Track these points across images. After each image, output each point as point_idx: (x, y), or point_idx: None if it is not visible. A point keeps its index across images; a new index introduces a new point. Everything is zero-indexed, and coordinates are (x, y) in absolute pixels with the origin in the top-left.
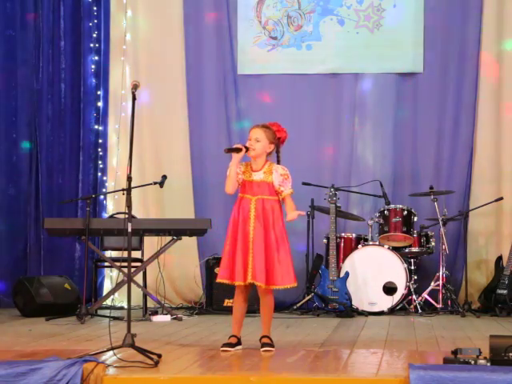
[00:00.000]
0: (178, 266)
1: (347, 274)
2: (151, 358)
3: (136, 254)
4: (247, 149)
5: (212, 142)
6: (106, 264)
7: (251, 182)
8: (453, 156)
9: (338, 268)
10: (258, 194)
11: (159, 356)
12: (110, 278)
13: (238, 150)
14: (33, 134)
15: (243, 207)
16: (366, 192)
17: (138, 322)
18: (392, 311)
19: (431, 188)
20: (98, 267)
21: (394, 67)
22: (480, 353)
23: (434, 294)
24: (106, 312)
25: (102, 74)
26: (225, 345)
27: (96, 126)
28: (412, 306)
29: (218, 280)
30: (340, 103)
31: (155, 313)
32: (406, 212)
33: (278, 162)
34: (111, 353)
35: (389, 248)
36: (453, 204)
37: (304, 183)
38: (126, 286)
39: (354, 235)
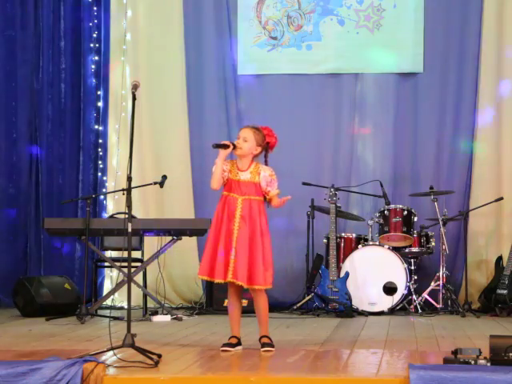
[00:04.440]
0: (178, 266)
1: (347, 274)
2: (151, 358)
3: (136, 254)
4: (234, 146)
5: (212, 141)
6: (106, 264)
7: (238, 181)
8: (453, 156)
9: (338, 268)
10: (245, 194)
11: (159, 356)
12: (109, 278)
13: (225, 147)
14: (33, 134)
15: (229, 206)
16: (366, 192)
17: (138, 322)
18: (392, 311)
19: (431, 188)
20: (98, 267)
21: (393, 67)
22: (480, 353)
23: (434, 293)
24: (106, 312)
25: (102, 74)
26: (225, 345)
27: (96, 126)
28: (412, 306)
29: (199, 276)
30: (340, 103)
31: (155, 313)
32: (406, 212)
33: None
34: (111, 353)
35: (389, 248)
36: (453, 204)
37: (304, 183)
38: (126, 286)
39: (354, 235)
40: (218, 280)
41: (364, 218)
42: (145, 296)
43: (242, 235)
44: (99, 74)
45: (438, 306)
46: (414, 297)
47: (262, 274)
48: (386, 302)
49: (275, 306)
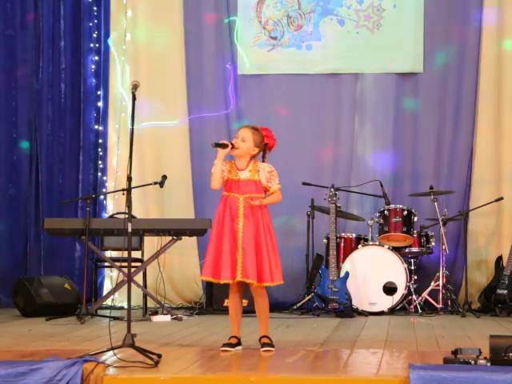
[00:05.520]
0: (178, 266)
1: (347, 274)
2: (151, 358)
3: (136, 254)
4: (233, 146)
5: (212, 141)
6: (106, 264)
7: (238, 181)
8: (453, 156)
9: (338, 268)
10: (246, 193)
11: (159, 356)
12: (109, 278)
13: (224, 146)
14: (33, 134)
15: (230, 206)
16: (366, 192)
17: (138, 322)
18: (392, 311)
19: (431, 188)
20: (98, 267)
21: (393, 67)
22: (480, 353)
23: (434, 294)
24: (106, 312)
25: (102, 74)
26: (225, 345)
27: (96, 126)
28: (412, 306)
29: (202, 278)
30: (340, 103)
31: (155, 313)
32: (406, 212)
33: None
34: (111, 353)
35: (389, 248)
36: (453, 204)
37: (304, 183)
38: (126, 286)
39: (354, 235)
40: (225, 281)
41: (364, 218)
42: (145, 296)
43: (248, 234)
44: (99, 74)
45: (438, 306)
46: (414, 297)
47: (268, 271)
48: (386, 302)
49: (275, 306)
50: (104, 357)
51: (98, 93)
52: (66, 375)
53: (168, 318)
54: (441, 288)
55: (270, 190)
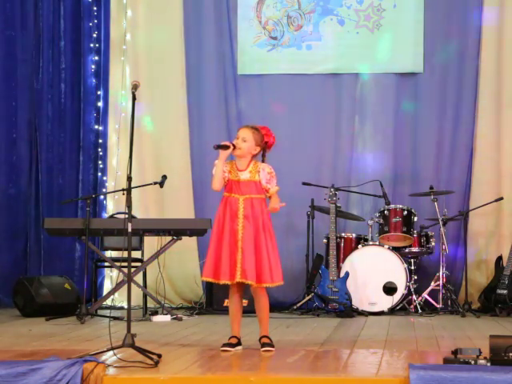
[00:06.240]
0: (178, 266)
1: (347, 274)
2: (151, 358)
3: (136, 254)
4: (234, 147)
5: (212, 142)
6: (106, 264)
7: (238, 181)
8: (453, 156)
9: (338, 268)
10: (246, 194)
11: (159, 356)
12: (109, 278)
13: (226, 148)
14: (33, 134)
15: (231, 206)
16: (366, 192)
17: (138, 322)
18: (392, 311)
19: (431, 188)
20: (98, 267)
21: (393, 67)
22: (480, 353)
23: (434, 293)
24: (106, 312)
25: (102, 74)
26: (225, 345)
27: (96, 126)
28: (412, 306)
29: (203, 278)
30: (340, 103)
31: (155, 313)
32: (406, 212)
33: None
34: (111, 353)
35: (389, 248)
36: (453, 204)
37: (304, 183)
38: (126, 286)
39: (353, 235)
40: (225, 281)
41: (364, 218)
42: (145, 296)
43: (247, 234)
44: (99, 73)
45: (438, 306)
46: (414, 297)
47: (268, 272)
48: (386, 302)
49: (275, 306)
50: (104, 357)
51: (98, 93)
52: (66, 375)
53: (168, 317)
54: (441, 288)
55: (269, 191)
